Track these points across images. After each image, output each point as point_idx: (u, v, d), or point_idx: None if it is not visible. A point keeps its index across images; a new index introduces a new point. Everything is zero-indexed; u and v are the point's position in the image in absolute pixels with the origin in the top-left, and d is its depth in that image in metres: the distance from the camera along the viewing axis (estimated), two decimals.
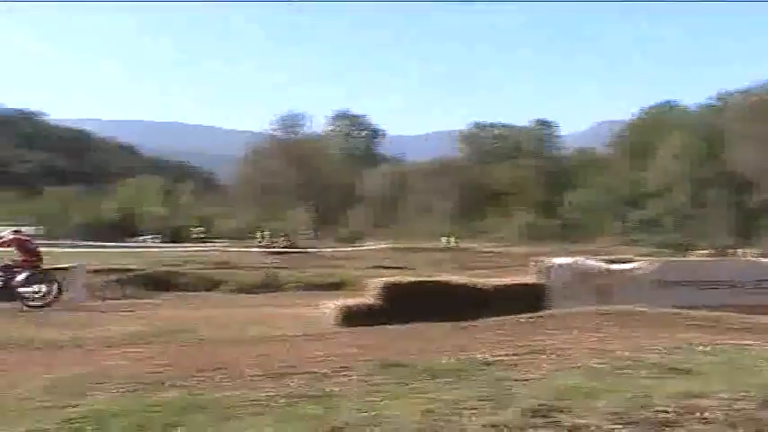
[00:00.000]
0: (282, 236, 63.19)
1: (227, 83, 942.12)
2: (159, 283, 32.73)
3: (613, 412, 7.51)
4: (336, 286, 32.39)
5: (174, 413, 8.28)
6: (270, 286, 33.26)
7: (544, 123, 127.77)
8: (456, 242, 62.42)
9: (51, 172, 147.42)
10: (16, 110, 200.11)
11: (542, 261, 20.64)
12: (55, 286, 23.23)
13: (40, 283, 23.09)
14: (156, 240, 72.44)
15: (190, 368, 11.20)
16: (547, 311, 17.39)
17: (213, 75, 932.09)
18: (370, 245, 64.97)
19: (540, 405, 7.83)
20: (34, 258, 23.75)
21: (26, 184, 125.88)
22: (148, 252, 52.16)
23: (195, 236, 60.93)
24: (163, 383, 10.04)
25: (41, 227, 77.77)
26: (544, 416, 7.54)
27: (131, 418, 8.04)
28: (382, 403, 8.56)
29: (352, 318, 17.13)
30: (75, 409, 8.47)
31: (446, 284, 19.03)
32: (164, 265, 38.08)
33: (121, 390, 9.70)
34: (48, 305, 22.50)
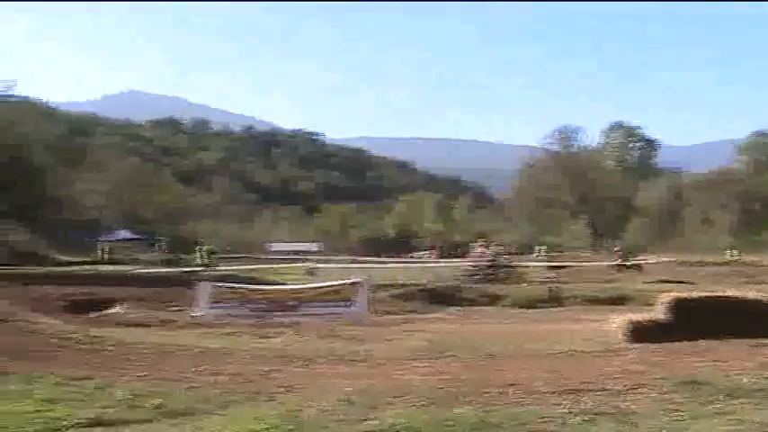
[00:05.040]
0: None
1: (498, 98, 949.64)
2: (440, 297, 32.99)
3: None
4: (618, 301, 31.61)
5: (469, 429, 8.30)
6: (551, 301, 32.87)
7: None
8: (738, 256, 59.88)
9: (330, 189, 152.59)
10: (295, 131, 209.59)
11: None
12: None
13: None
14: (433, 255, 73.22)
15: (481, 384, 11.21)
16: None
17: (484, 90, 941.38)
18: (648, 258, 63.19)
19: None
20: None
21: (307, 201, 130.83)
22: (427, 267, 52.77)
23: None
24: (456, 398, 10.09)
25: (320, 243, 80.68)
26: None
27: None
28: (684, 423, 8.27)
29: (641, 333, 16.61)
30: (372, 422, 8.64)
31: (739, 300, 18.13)
32: (443, 281, 38.37)
33: (416, 404, 9.82)
34: None
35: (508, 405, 9.66)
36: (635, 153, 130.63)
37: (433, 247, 79.99)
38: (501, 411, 9.14)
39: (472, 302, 32.67)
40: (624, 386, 10.59)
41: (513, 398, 10.14)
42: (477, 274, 39.55)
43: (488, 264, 38.50)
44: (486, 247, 49.70)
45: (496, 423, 8.52)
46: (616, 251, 58.85)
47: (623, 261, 53.18)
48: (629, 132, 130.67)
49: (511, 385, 10.96)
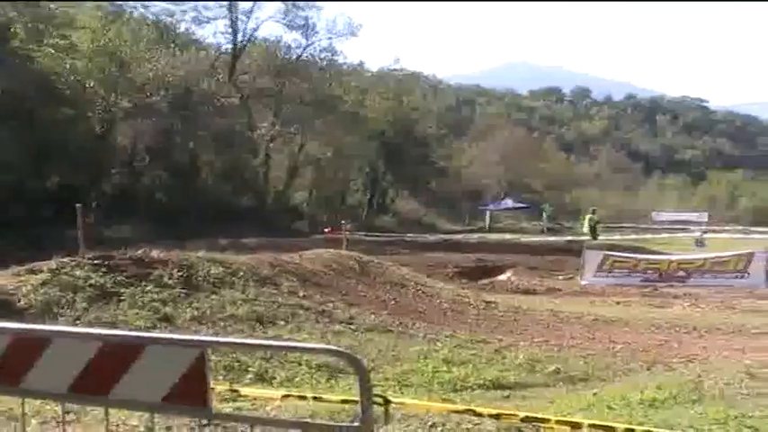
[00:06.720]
0: None
1: None
2: None
3: None
4: None
5: None
6: None
7: None
8: None
9: (718, 157, 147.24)
10: (680, 98, 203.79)
11: None
12: None
13: None
14: None
15: None
16: None
17: None
18: None
19: None
20: None
21: (693, 169, 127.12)
22: None
23: None
24: None
25: (707, 213, 77.83)
26: None
27: None
28: None
29: None
30: None
31: None
32: None
33: None
34: None
35: None
36: None
37: None
38: None
39: None
40: None
41: None
42: None
43: None
44: None
45: None
46: None
47: None
48: None
49: None
